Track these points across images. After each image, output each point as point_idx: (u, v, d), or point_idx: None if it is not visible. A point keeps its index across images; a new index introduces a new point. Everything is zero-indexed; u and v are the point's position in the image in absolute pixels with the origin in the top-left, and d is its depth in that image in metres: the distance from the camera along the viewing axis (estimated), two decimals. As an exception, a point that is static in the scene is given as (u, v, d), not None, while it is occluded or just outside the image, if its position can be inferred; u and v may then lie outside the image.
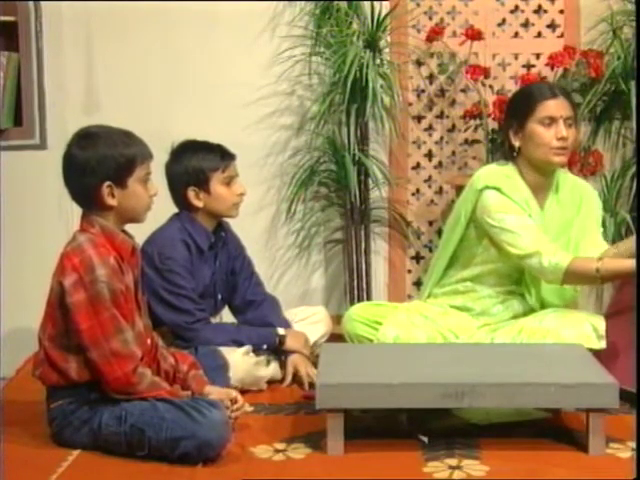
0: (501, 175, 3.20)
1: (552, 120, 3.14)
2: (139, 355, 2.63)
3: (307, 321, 3.55)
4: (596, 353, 2.97)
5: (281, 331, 3.38)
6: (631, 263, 2.96)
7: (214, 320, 3.44)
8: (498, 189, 3.15)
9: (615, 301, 3.16)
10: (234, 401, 2.75)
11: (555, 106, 3.15)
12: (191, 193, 3.33)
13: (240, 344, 3.27)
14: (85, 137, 2.66)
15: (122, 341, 2.59)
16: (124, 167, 2.63)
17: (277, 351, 3.36)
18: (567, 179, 3.32)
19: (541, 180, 3.22)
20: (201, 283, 3.35)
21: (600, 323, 3.08)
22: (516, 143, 3.19)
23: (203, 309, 3.32)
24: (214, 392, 2.81)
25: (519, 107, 3.22)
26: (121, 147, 2.64)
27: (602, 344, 3.06)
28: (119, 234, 2.68)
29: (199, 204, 3.33)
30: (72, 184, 2.67)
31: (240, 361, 3.20)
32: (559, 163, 3.19)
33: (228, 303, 3.52)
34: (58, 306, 2.64)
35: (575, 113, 3.21)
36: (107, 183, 2.62)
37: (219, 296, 3.46)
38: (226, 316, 3.57)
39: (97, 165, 2.61)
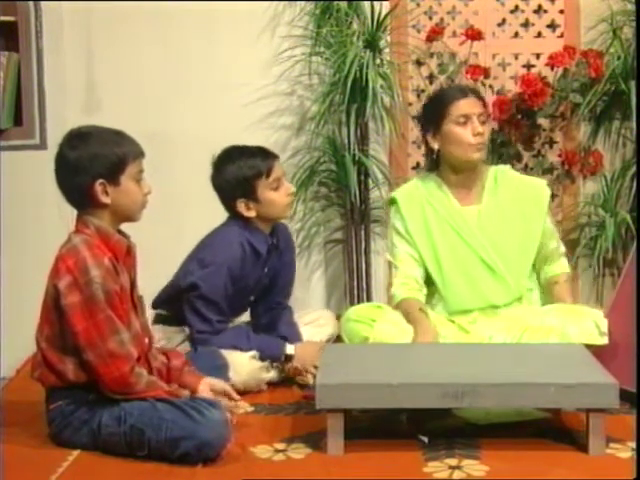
0: (405, 188, 3.40)
1: (466, 118, 3.24)
2: (135, 355, 2.63)
3: (313, 324, 3.54)
4: (596, 353, 2.97)
5: (290, 350, 3.31)
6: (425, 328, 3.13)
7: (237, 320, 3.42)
8: (394, 202, 3.36)
9: (616, 300, 3.16)
10: (230, 398, 2.76)
11: (467, 104, 3.26)
12: (241, 205, 3.24)
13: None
14: (76, 137, 2.66)
15: (118, 342, 2.59)
16: (116, 164, 2.63)
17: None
18: (508, 176, 3.39)
19: (463, 178, 3.32)
20: (244, 285, 3.31)
21: (602, 319, 3.11)
22: (435, 145, 3.30)
23: (224, 321, 3.28)
24: (214, 383, 2.80)
25: (434, 110, 3.33)
26: (112, 145, 2.64)
27: (604, 340, 3.08)
28: (114, 234, 2.67)
29: (252, 214, 3.25)
30: (65, 184, 2.67)
31: (246, 363, 3.18)
32: (478, 159, 3.28)
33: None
34: (53, 308, 2.63)
35: (487, 110, 3.33)
36: (100, 181, 2.62)
37: (252, 298, 3.42)
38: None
39: (89, 163, 2.61)
